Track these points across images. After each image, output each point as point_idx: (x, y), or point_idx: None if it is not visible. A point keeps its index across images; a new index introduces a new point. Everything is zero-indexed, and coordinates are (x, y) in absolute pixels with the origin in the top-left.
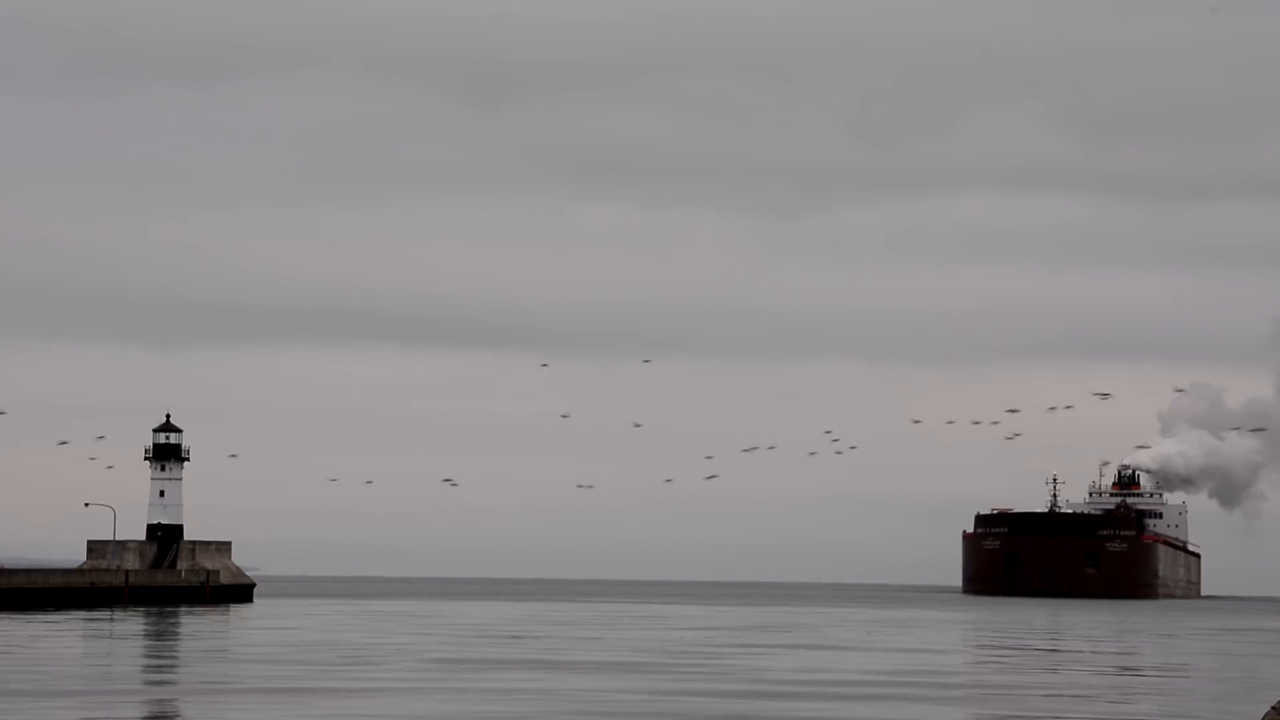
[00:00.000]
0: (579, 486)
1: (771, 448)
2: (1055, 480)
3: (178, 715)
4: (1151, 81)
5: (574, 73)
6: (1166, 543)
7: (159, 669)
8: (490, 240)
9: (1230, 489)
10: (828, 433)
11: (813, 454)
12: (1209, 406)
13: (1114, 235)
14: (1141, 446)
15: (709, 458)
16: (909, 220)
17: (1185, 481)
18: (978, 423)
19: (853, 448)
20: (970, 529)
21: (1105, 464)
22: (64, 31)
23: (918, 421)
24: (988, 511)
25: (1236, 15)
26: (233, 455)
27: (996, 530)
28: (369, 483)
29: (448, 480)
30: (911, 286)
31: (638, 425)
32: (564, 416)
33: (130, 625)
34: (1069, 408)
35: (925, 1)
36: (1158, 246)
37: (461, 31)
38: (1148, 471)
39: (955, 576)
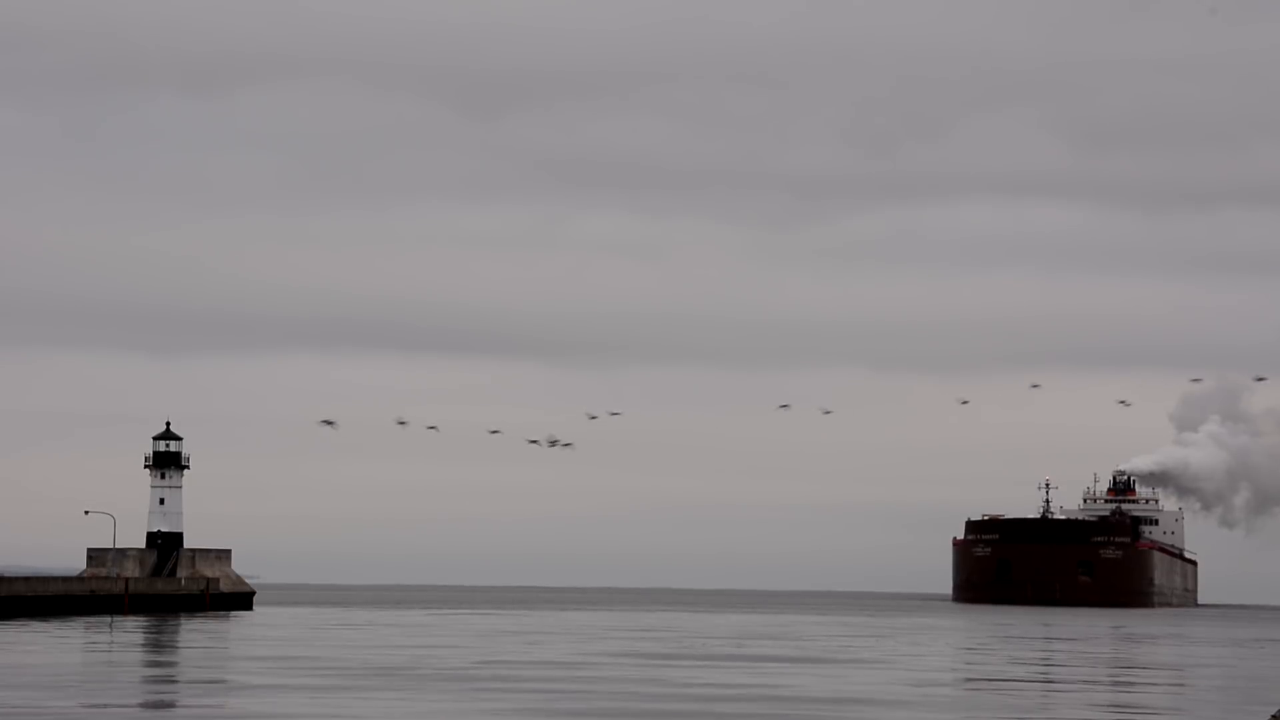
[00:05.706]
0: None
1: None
2: (1048, 485)
3: None
4: (1148, 91)
5: (573, 82)
6: (1162, 550)
7: (157, 679)
8: (490, 249)
9: (1262, 501)
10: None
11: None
12: (1228, 401)
13: (1113, 243)
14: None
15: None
16: (907, 229)
17: (1207, 493)
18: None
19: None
20: (961, 535)
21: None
22: (63, 39)
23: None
24: (979, 518)
25: (1235, 16)
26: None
27: (987, 537)
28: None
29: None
30: (911, 295)
31: (594, 416)
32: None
33: (129, 634)
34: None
35: (922, 11)
36: (1158, 255)
37: (461, 41)
38: (1149, 476)
39: (946, 584)
